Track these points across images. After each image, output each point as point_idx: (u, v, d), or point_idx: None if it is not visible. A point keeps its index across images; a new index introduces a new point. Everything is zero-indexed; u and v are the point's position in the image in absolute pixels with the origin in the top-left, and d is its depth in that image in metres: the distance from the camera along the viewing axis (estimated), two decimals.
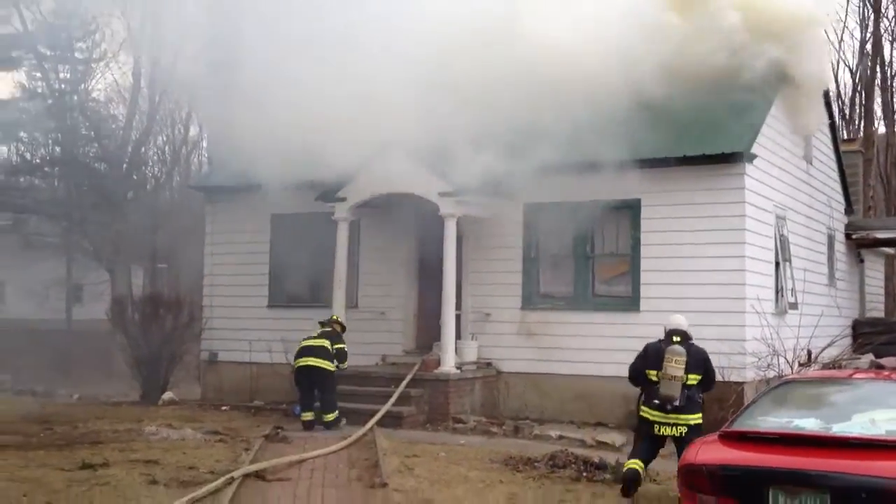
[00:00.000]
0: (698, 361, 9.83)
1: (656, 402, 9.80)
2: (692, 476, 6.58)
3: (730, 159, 14.20)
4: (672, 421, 9.62)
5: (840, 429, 6.58)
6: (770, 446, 6.47)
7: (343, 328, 14.59)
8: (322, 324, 14.52)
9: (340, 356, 14.14)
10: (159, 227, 29.54)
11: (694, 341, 10.07)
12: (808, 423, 6.76)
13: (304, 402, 13.97)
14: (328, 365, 13.90)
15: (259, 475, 9.74)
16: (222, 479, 9.15)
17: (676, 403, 9.58)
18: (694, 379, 9.71)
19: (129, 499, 8.69)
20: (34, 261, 32.16)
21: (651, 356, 9.89)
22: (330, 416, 13.83)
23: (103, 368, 26.95)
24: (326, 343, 14.06)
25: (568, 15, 14.79)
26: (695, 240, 14.33)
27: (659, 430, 9.71)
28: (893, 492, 5.72)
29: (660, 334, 13.99)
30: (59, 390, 22.03)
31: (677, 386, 9.65)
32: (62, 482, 9.30)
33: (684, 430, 9.47)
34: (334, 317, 14.80)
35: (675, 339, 9.88)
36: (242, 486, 9.23)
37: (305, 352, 14.03)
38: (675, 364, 9.71)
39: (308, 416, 13.83)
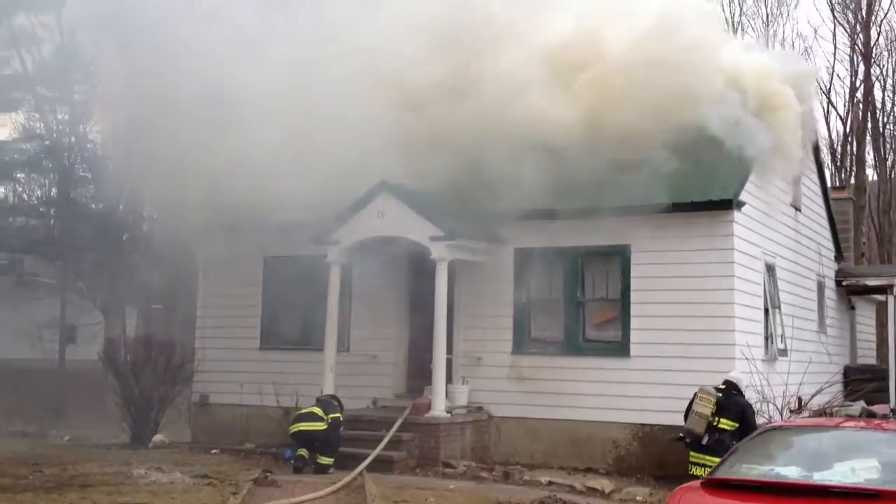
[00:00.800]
0: (736, 409, 10.76)
1: (680, 434, 10.53)
2: None
3: (718, 207, 14.35)
4: (701, 461, 10.23)
5: (821, 477, 6.65)
6: (751, 494, 6.52)
7: (340, 405, 14.52)
8: (318, 399, 14.58)
9: (333, 423, 14.11)
10: (154, 269, 29.55)
11: (742, 393, 10.93)
12: (790, 472, 6.84)
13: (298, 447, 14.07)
14: (319, 426, 13.93)
15: None
16: None
17: (703, 442, 10.24)
18: (727, 424, 10.69)
19: None
20: (28, 301, 32.15)
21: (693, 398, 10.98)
22: (325, 460, 13.81)
23: (95, 410, 26.82)
24: (318, 410, 14.12)
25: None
26: (684, 286, 14.44)
27: (691, 470, 10.28)
28: None
29: (649, 379, 14.34)
30: (50, 431, 21.95)
31: (702, 423, 10.60)
32: None
33: None
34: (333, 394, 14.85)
35: (720, 385, 10.97)
36: None
37: (297, 418, 14.19)
38: (701, 402, 10.82)
39: (302, 451, 13.91)
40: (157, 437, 17.68)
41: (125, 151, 28.83)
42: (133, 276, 28.85)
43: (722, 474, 6.99)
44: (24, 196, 33.19)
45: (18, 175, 32.46)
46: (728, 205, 14.33)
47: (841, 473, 6.65)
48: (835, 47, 37.42)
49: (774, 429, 8.42)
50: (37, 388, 28.03)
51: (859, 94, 34.54)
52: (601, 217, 14.70)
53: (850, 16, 34.84)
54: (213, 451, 16.30)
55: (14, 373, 28.40)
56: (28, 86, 28.64)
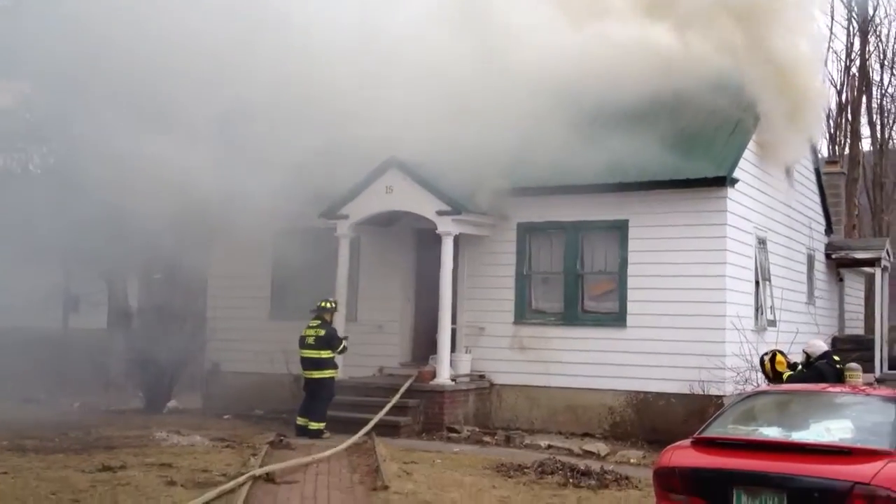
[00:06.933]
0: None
1: None
2: (666, 478, 7.29)
3: (712, 183, 14.94)
4: None
5: (798, 436, 7.31)
6: (736, 451, 7.17)
7: (331, 316, 14.94)
8: (316, 310, 14.89)
9: (332, 343, 14.59)
10: (161, 238, 29.88)
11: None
12: (771, 431, 7.49)
13: (301, 406, 14.67)
14: (321, 374, 14.51)
15: (268, 477, 10.42)
16: (235, 481, 9.82)
17: None
18: None
19: (151, 498, 9.36)
20: (31, 270, 32.51)
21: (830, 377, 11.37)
22: (314, 425, 14.34)
23: (100, 377, 27.35)
24: (322, 333, 14.53)
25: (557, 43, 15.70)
26: (679, 259, 15.06)
27: None
28: (841, 492, 6.45)
29: (644, 348, 14.80)
30: (59, 398, 22.46)
31: None
32: (86, 482, 9.96)
33: None
34: (322, 303, 14.99)
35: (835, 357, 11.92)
36: (254, 488, 9.90)
37: (304, 364, 14.69)
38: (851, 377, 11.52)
39: (300, 421, 14.50)
40: (171, 403, 18.36)
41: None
42: (139, 244, 29.19)
43: (710, 433, 7.65)
44: (30, 166, 33.42)
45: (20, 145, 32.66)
46: (722, 182, 14.91)
47: (817, 433, 7.30)
48: (832, 19, 37.46)
49: (759, 393, 9.06)
50: (42, 356, 28.50)
51: (855, 68, 34.92)
52: (600, 193, 15.35)
53: None
54: (226, 416, 16.98)
55: (19, 341, 28.87)
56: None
